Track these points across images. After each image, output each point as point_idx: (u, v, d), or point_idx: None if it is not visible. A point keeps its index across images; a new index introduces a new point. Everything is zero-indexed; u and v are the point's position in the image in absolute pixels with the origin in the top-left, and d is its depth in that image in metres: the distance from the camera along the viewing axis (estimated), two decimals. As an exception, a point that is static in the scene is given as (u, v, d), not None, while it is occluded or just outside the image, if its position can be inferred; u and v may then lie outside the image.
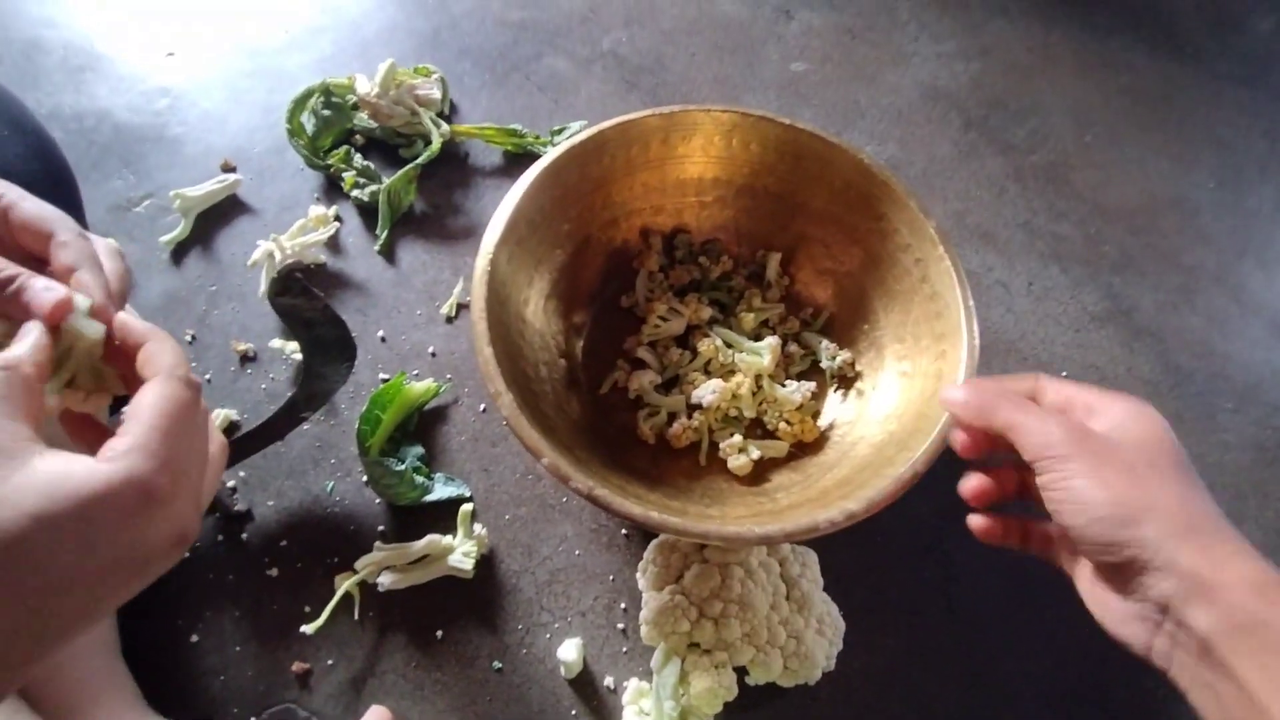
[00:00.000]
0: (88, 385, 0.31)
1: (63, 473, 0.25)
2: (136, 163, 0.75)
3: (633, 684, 0.52)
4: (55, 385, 0.30)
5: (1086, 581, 0.36)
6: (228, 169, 0.75)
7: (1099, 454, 0.34)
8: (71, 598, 0.26)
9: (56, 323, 0.30)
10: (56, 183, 0.50)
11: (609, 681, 0.53)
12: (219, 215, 0.72)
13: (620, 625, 0.55)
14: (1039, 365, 0.69)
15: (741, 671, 0.50)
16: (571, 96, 0.85)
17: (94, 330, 0.30)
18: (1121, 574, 0.34)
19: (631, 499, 0.45)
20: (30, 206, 0.33)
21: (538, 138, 0.79)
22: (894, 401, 0.56)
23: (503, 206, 0.54)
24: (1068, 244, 0.78)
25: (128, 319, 0.32)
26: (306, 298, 0.43)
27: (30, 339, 0.28)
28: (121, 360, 0.31)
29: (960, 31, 0.96)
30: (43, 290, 0.30)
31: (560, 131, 0.79)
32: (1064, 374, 0.69)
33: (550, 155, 0.56)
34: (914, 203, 0.56)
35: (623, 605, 0.56)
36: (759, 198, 0.64)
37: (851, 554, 0.58)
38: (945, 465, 0.46)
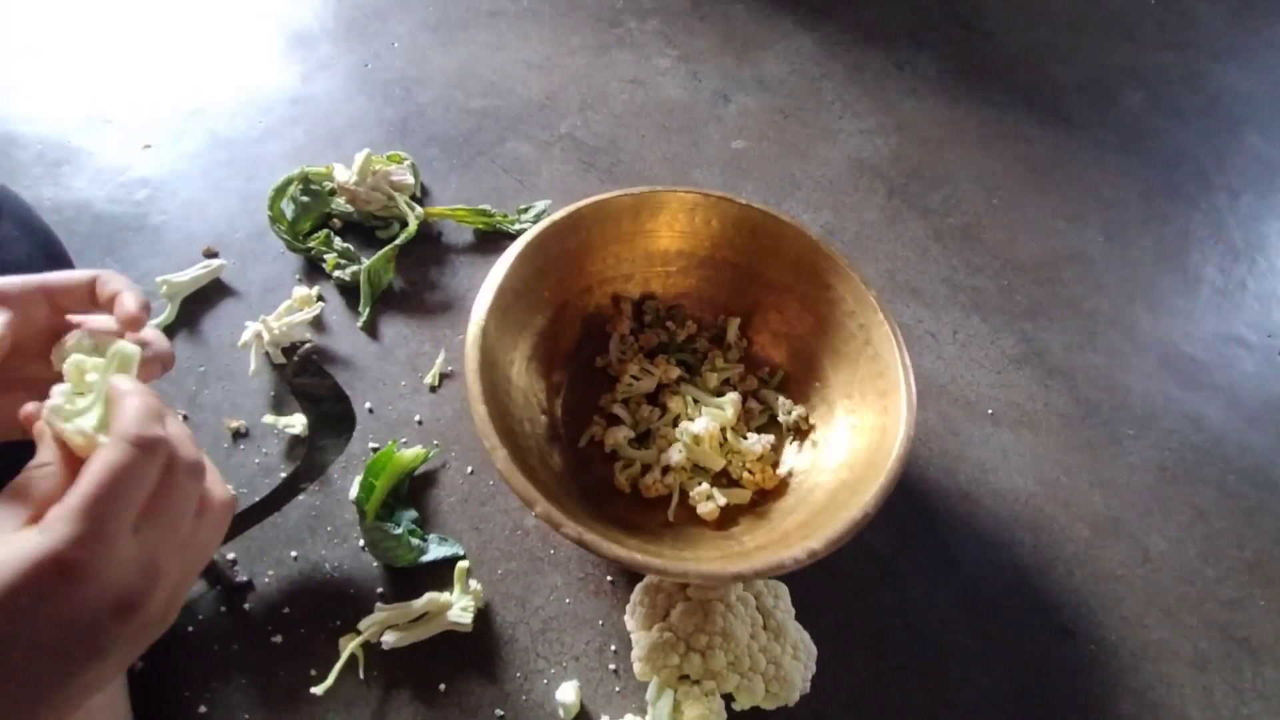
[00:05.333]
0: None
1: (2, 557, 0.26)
2: (119, 251, 0.78)
3: (628, 720, 0.56)
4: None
5: None
6: (210, 254, 0.79)
7: None
8: (17, 675, 0.27)
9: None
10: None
11: (605, 720, 0.57)
12: (204, 299, 0.76)
13: (612, 666, 0.59)
14: (967, 404, 0.78)
15: (728, 698, 0.55)
16: (534, 177, 0.92)
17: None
18: None
19: (613, 544, 0.50)
20: (62, 273, 0.37)
21: (505, 216, 0.85)
22: (845, 451, 0.62)
23: (491, 277, 0.59)
24: (985, 295, 0.88)
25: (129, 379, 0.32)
26: (320, 377, 0.47)
27: (47, 452, 0.30)
28: None
29: (878, 110, 1.07)
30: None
31: (526, 210, 0.86)
32: (990, 411, 0.78)
33: (533, 231, 0.62)
34: (857, 275, 0.64)
35: (613, 647, 0.60)
36: (719, 268, 0.71)
37: (817, 586, 0.64)
38: (893, 504, 0.53)
